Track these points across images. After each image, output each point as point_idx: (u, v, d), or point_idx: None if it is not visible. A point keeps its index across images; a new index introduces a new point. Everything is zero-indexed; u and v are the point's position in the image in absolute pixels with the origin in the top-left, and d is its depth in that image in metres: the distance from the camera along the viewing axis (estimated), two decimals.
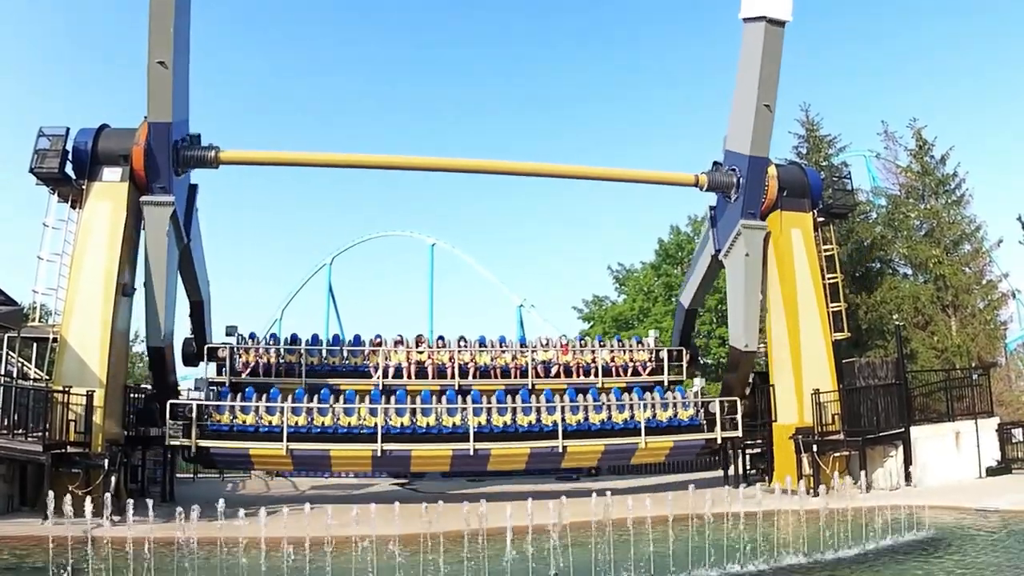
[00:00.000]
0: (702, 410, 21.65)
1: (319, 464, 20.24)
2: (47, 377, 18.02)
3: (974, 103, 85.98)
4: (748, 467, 23.17)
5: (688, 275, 26.97)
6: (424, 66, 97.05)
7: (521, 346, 24.18)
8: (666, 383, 23.19)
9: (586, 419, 20.65)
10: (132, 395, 20.05)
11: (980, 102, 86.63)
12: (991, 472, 18.36)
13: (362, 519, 11.20)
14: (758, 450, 22.81)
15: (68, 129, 18.44)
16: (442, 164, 23.24)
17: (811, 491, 17.71)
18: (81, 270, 17.93)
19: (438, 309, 42.28)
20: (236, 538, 10.94)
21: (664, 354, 23.83)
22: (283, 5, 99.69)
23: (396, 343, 22.82)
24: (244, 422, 19.28)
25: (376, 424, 19.30)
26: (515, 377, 22.70)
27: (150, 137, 18.58)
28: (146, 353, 24.35)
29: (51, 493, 13.13)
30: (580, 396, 21.53)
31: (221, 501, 11.27)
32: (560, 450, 20.15)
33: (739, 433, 21.51)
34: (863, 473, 17.71)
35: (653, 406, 21.22)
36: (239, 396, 20.00)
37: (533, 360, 22.87)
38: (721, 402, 21.65)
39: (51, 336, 18.13)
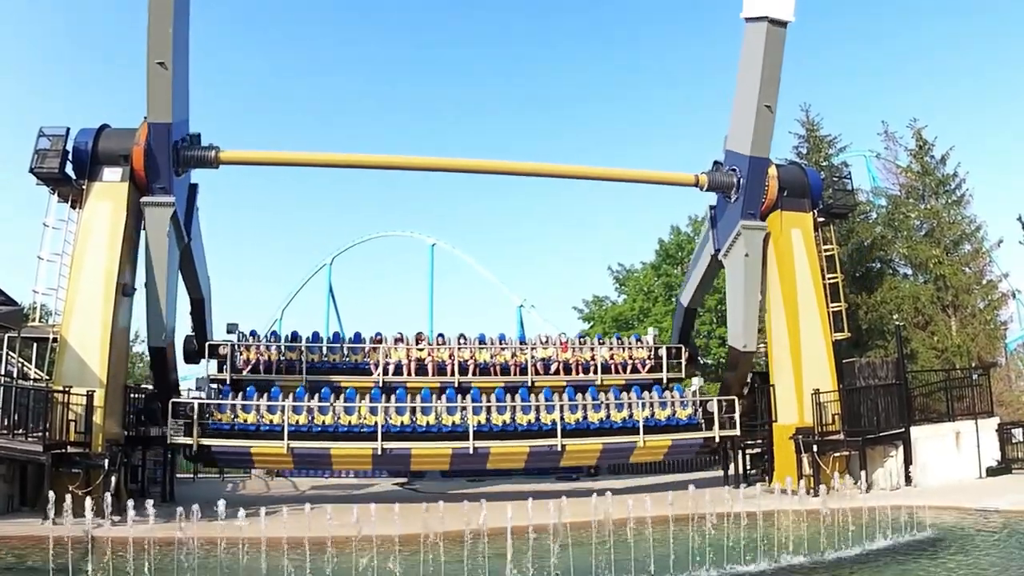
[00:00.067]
0: (700, 409, 21.70)
1: (320, 462, 20.28)
2: (47, 377, 18.04)
3: (974, 103, 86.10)
4: (748, 467, 23.22)
5: (688, 275, 27.03)
6: (424, 66, 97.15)
7: (521, 344, 24.26)
8: (665, 381, 23.28)
9: (585, 418, 20.75)
10: (132, 395, 20.05)
11: (980, 102, 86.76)
12: (991, 472, 18.35)
13: (362, 519, 11.18)
14: (758, 450, 22.85)
15: (68, 129, 18.48)
16: (442, 164, 23.29)
17: (811, 491, 17.75)
18: (81, 270, 17.94)
19: (438, 309, 42.32)
20: (236, 538, 10.95)
21: (663, 351, 23.92)
22: (283, 5, 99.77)
23: (396, 340, 22.89)
24: (245, 421, 19.34)
25: (376, 423, 19.36)
26: (515, 374, 22.81)
27: (150, 137, 18.61)
28: (146, 353, 24.35)
29: (51, 493, 13.18)
30: (579, 395, 21.59)
31: (221, 501, 11.25)
32: (559, 448, 20.23)
33: (737, 432, 21.56)
34: (863, 473, 17.69)
35: (651, 405, 21.28)
36: (240, 394, 20.04)
37: (532, 357, 22.96)
38: (719, 401, 21.71)
39: (51, 336, 18.14)
